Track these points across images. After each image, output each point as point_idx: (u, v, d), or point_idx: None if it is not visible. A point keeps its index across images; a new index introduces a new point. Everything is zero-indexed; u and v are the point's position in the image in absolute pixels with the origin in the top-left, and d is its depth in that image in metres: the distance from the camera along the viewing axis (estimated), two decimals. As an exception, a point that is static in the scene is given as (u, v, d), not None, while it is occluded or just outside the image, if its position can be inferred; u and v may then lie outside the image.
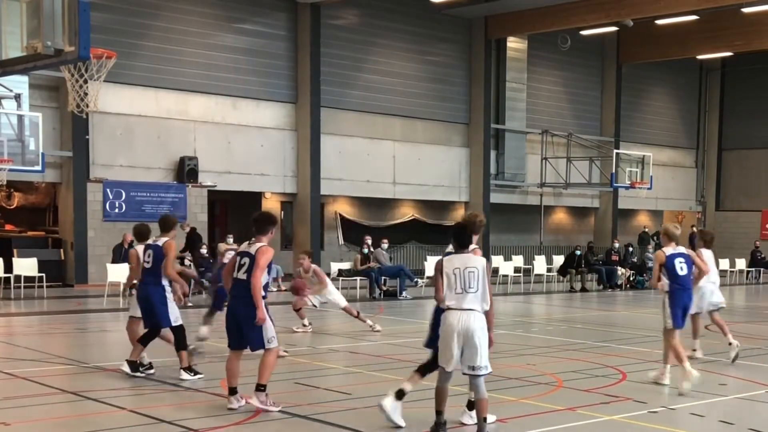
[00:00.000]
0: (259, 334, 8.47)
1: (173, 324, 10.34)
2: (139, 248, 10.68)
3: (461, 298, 7.39)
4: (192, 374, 10.20)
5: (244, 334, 8.52)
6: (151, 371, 10.44)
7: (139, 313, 10.63)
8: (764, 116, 37.80)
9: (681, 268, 10.25)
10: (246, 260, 8.63)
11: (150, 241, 10.53)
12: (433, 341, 7.95)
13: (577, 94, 34.57)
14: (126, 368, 10.30)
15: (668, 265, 10.19)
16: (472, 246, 8.16)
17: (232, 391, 8.62)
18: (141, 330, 10.64)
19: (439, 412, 7.62)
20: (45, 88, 22.27)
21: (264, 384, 8.48)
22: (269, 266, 8.82)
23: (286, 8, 26.35)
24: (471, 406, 8.01)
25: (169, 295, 10.34)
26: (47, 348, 12.71)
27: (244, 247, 8.86)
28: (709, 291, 12.16)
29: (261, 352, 8.59)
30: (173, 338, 10.42)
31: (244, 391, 8.68)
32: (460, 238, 7.74)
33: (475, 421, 7.62)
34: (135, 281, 10.73)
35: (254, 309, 8.41)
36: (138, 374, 10.28)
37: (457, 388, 8.74)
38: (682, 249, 10.50)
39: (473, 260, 7.56)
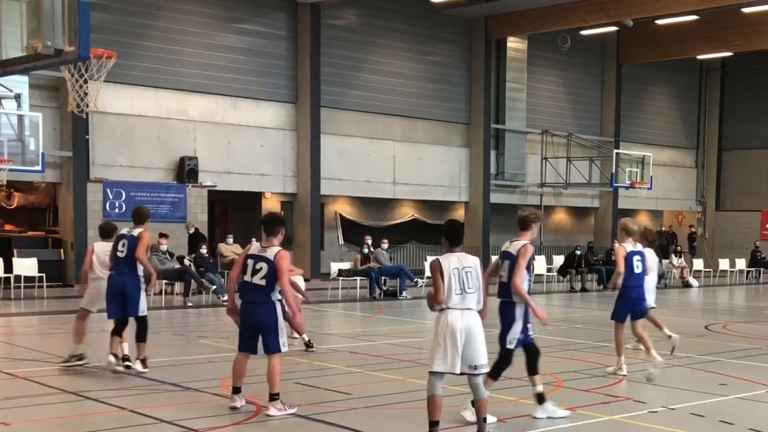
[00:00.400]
0: (277, 339, 8.45)
1: (140, 314, 10.55)
2: (100, 245, 11.03)
3: (461, 298, 7.27)
4: (145, 367, 10.48)
5: (265, 340, 8.44)
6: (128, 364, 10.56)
7: (95, 307, 11.01)
8: (764, 116, 37.79)
9: (637, 266, 10.62)
10: (263, 265, 8.35)
11: (125, 232, 10.73)
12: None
13: (577, 94, 34.57)
14: (139, 366, 10.46)
15: (626, 261, 10.50)
16: (523, 242, 8.28)
17: (236, 390, 8.57)
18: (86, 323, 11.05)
19: (434, 423, 7.31)
20: (45, 88, 22.27)
21: (277, 392, 8.39)
22: None
23: (286, 8, 26.35)
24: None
25: (143, 286, 10.58)
26: (47, 348, 12.71)
27: (255, 250, 8.55)
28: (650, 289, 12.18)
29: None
30: (136, 328, 10.61)
31: (261, 396, 8.67)
32: (453, 236, 7.61)
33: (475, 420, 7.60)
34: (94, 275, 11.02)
35: (275, 315, 8.40)
36: (119, 368, 10.43)
37: (456, 388, 8.73)
38: (639, 247, 10.84)
39: (469, 259, 7.47)
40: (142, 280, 10.58)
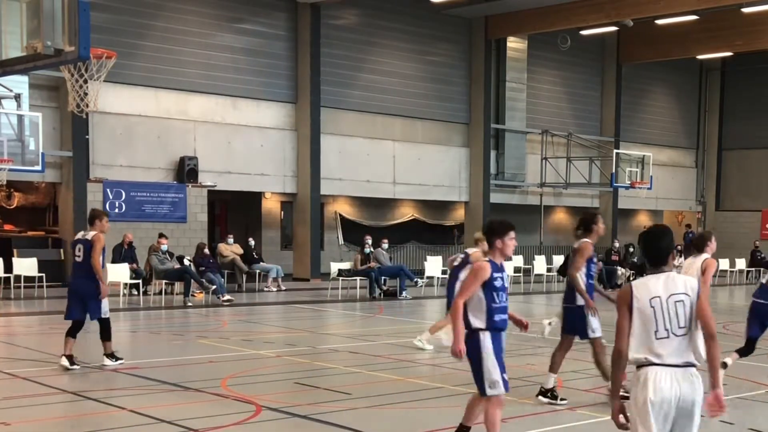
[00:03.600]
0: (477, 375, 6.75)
1: (103, 316, 10.84)
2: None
3: (666, 345, 4.78)
4: (114, 360, 10.92)
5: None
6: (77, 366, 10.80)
7: None
8: (764, 116, 37.78)
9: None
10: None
11: (79, 236, 10.92)
12: None
13: (577, 94, 34.57)
14: (66, 363, 10.70)
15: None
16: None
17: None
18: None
19: None
20: (45, 88, 22.26)
21: None
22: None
23: (286, 8, 26.34)
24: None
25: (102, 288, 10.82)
26: (47, 348, 12.71)
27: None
28: None
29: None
30: (100, 328, 10.96)
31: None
32: (653, 250, 5.02)
33: None
34: None
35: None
36: (75, 367, 10.69)
37: (456, 388, 8.74)
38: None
39: (679, 283, 4.91)
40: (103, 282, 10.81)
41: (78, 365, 10.79)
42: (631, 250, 28.25)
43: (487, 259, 6.75)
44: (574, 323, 9.15)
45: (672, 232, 5.23)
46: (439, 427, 7.98)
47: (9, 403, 8.82)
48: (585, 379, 10.60)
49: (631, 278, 26.87)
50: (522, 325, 7.15)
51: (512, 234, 6.74)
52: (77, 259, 10.72)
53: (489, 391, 6.59)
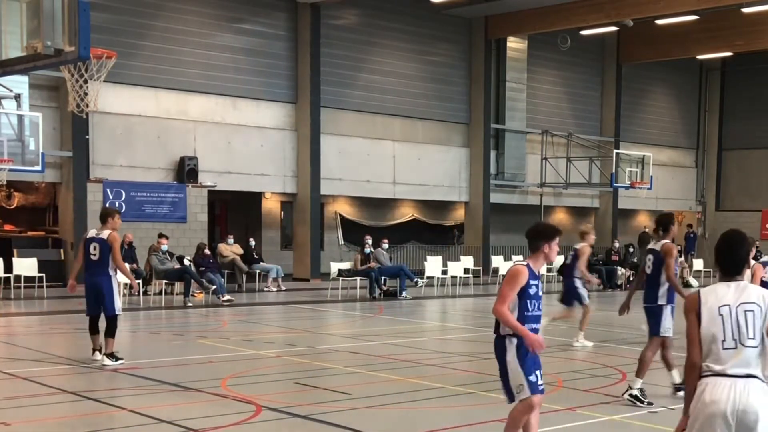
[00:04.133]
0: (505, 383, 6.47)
1: (115, 313, 11.12)
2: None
3: (732, 356, 4.57)
4: (114, 360, 11.05)
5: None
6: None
7: None
8: (764, 116, 37.78)
9: None
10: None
11: (93, 234, 11.21)
12: None
13: (577, 94, 34.57)
14: (107, 360, 11.00)
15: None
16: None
17: None
18: None
19: None
20: (45, 88, 22.26)
21: None
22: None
23: (286, 8, 26.34)
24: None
25: (116, 285, 11.20)
26: (47, 348, 12.71)
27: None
28: None
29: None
30: (106, 325, 11.16)
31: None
32: (728, 257, 4.85)
33: None
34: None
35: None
36: (121, 361, 11.07)
37: (457, 388, 8.74)
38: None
39: (752, 292, 4.70)
40: (115, 279, 11.16)
41: (123, 358, 11.15)
42: (631, 250, 28.25)
43: (525, 263, 6.35)
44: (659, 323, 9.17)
45: (750, 238, 4.95)
46: (439, 427, 7.99)
47: (9, 403, 8.82)
48: (585, 379, 10.60)
49: (632, 278, 26.86)
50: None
51: (558, 239, 6.42)
52: (93, 257, 11.05)
53: (517, 396, 6.30)
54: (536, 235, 6.42)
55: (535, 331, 6.31)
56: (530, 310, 6.26)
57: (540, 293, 6.36)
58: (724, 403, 4.46)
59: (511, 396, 6.36)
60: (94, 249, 11.05)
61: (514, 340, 6.26)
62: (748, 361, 4.52)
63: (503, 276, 7.13)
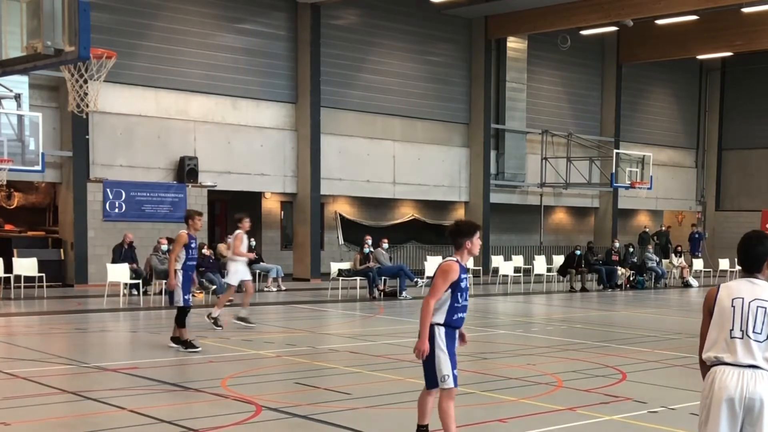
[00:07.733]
0: (429, 368, 6.82)
1: (179, 305, 12.45)
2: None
3: (740, 346, 4.80)
4: (184, 347, 12.24)
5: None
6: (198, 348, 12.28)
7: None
8: (764, 116, 37.79)
9: None
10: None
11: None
12: None
13: (577, 94, 34.57)
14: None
15: None
16: None
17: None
18: None
19: None
20: (45, 88, 22.27)
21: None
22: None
23: (286, 8, 26.34)
24: None
25: (179, 279, 12.37)
26: (47, 348, 12.71)
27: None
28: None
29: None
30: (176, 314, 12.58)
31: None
32: (753, 255, 4.98)
33: None
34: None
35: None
36: (198, 349, 12.19)
37: (459, 388, 8.73)
38: None
39: (766, 290, 4.90)
40: (181, 272, 12.30)
41: (199, 347, 12.25)
42: (631, 250, 28.26)
43: (455, 259, 6.77)
44: None
45: None
46: (439, 427, 7.98)
47: (9, 403, 8.82)
48: (585, 379, 10.60)
49: (632, 278, 26.87)
50: (461, 339, 7.04)
51: (479, 234, 6.91)
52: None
53: (441, 384, 6.71)
54: (458, 234, 6.87)
55: (462, 319, 6.79)
56: (460, 301, 6.72)
57: (467, 286, 6.84)
58: (733, 390, 4.72)
59: (432, 382, 6.75)
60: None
61: (443, 329, 6.70)
62: (753, 353, 4.75)
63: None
